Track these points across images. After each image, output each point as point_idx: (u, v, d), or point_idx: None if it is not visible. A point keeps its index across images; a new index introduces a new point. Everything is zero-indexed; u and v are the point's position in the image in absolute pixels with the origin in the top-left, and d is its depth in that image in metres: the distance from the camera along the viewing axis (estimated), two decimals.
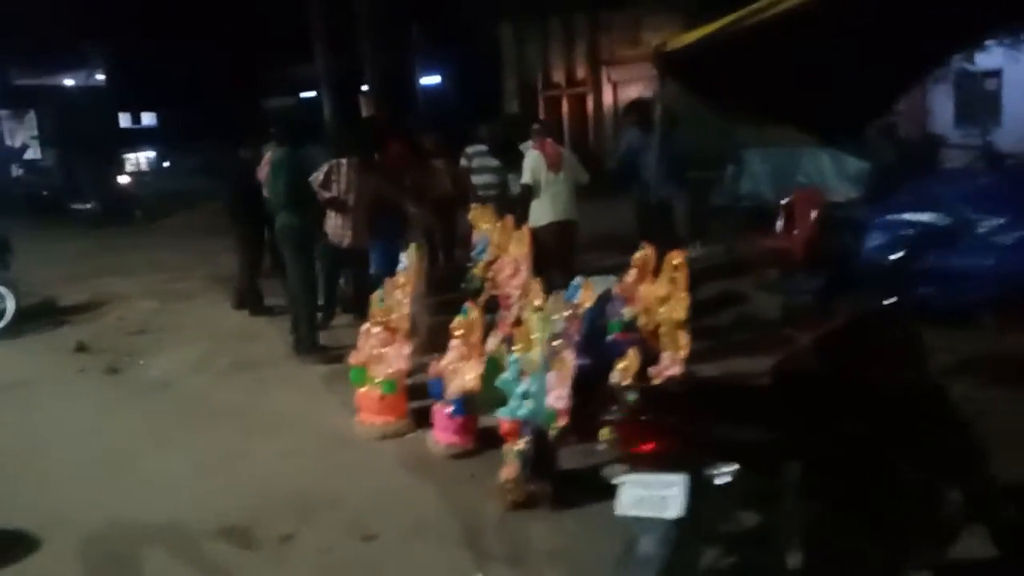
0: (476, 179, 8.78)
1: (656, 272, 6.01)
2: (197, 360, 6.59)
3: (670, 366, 4.94)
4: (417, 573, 3.53)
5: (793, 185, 8.52)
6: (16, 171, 16.24)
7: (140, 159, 17.90)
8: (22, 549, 3.76)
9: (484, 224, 7.02)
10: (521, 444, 3.93)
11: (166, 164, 17.62)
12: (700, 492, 2.29)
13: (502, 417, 3.97)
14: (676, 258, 5.80)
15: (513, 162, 7.98)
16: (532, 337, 4.03)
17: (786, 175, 9.12)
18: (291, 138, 6.87)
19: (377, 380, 5.04)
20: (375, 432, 5.01)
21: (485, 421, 4.82)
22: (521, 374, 4.03)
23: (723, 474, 2.29)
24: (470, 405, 4.68)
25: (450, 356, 4.72)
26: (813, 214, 7.54)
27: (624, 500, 2.38)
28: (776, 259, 7.60)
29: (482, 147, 8.90)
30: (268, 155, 7.11)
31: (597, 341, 5.29)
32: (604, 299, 5.73)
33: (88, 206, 14.91)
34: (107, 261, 10.74)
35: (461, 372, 4.63)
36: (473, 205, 8.38)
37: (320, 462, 4.66)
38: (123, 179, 16.10)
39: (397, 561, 3.61)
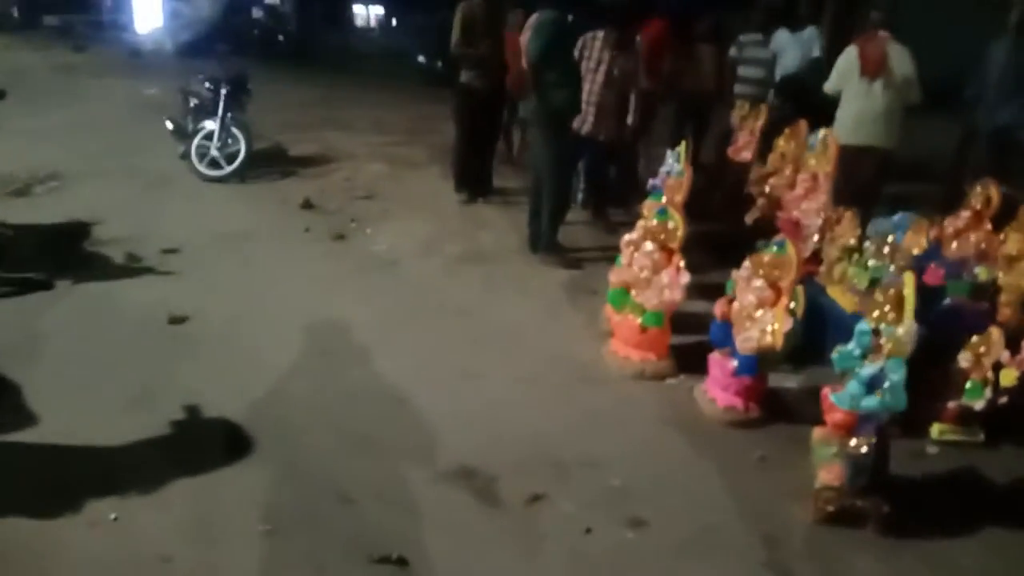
0: (743, 71, 7.54)
1: (996, 220, 4.65)
2: (424, 241, 5.95)
3: None
4: None
5: None
6: (257, 13, 16.33)
7: (370, 14, 17.51)
8: (228, 450, 3.22)
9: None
10: (859, 445, 2.90)
11: (394, 22, 17.17)
12: None
13: (839, 406, 2.91)
14: None
15: None
16: (902, 304, 2.89)
17: None
18: None
19: (641, 307, 4.15)
20: (630, 369, 4.14)
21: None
22: (872, 351, 2.94)
23: None
24: (763, 364, 3.69)
25: (747, 298, 3.69)
26: None
27: None
28: None
29: (757, 36, 7.59)
30: (531, 18, 6.09)
31: (931, 305, 4.05)
32: (935, 247, 4.46)
33: (427, 62, 12.94)
34: (333, 114, 10.43)
35: (760, 322, 3.60)
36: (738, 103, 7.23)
37: (568, 399, 3.86)
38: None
39: (675, 571, 2.77)
